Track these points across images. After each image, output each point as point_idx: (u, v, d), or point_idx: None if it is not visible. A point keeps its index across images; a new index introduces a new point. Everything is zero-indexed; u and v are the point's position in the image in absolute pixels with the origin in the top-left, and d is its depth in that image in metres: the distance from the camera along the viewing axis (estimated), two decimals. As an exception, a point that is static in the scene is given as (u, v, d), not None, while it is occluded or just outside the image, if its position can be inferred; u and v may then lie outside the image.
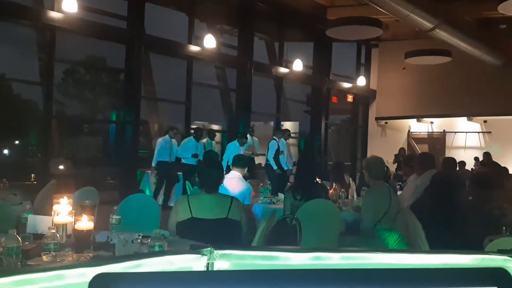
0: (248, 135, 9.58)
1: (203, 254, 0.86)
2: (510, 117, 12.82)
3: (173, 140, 8.92)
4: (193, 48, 10.33)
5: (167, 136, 8.85)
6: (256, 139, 10.23)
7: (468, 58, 11.87)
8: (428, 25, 9.77)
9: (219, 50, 10.97)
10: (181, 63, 10.50)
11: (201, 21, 11.12)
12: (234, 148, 8.94)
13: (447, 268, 0.70)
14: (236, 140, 9.26)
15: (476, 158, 11.52)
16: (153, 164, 8.77)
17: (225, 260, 0.86)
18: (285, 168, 9.56)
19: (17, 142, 9.51)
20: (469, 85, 12.97)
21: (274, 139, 9.56)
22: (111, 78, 11.36)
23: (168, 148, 8.81)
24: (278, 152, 9.42)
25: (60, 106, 10.14)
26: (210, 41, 10.31)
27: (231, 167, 4.78)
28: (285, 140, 9.96)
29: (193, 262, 0.85)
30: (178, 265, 0.84)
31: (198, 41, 10.51)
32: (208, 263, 0.85)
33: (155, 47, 10.10)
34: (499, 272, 0.61)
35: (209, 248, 0.85)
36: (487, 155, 10.98)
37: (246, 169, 4.83)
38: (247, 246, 0.88)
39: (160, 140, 8.89)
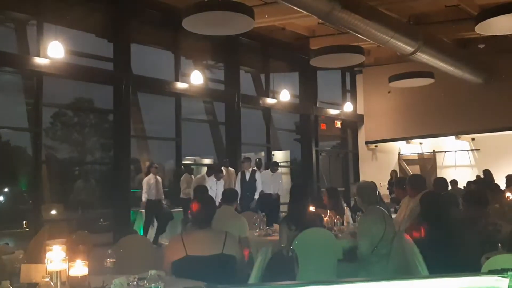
0: (223, 168, 9.56)
1: (197, 296, 0.86)
2: (497, 134, 12.99)
3: (158, 177, 8.93)
4: (181, 85, 10.43)
5: (151, 174, 8.88)
6: (232, 170, 10.23)
7: (450, 78, 12.10)
8: (409, 49, 9.98)
9: (206, 85, 11.09)
10: (170, 100, 10.56)
11: (187, 58, 11.26)
12: (212, 183, 8.94)
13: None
14: (212, 175, 9.25)
15: (477, 176, 11.57)
16: (143, 200, 8.81)
17: (219, 300, 0.86)
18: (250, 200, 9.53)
19: (7, 189, 9.41)
20: (454, 104, 13.18)
21: (244, 172, 9.63)
22: (100, 119, 11.37)
23: (154, 186, 8.80)
24: (243, 183, 9.50)
25: (49, 150, 10.08)
26: (197, 77, 10.42)
27: (221, 202, 4.79)
28: (273, 171, 10.07)
29: (187, 305, 0.85)
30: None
31: (185, 78, 10.62)
32: (202, 304, 0.85)
33: (143, 86, 10.17)
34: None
35: (202, 289, 0.86)
36: (487, 172, 11.02)
37: (237, 203, 4.84)
38: (239, 285, 0.88)
39: (145, 179, 8.90)
